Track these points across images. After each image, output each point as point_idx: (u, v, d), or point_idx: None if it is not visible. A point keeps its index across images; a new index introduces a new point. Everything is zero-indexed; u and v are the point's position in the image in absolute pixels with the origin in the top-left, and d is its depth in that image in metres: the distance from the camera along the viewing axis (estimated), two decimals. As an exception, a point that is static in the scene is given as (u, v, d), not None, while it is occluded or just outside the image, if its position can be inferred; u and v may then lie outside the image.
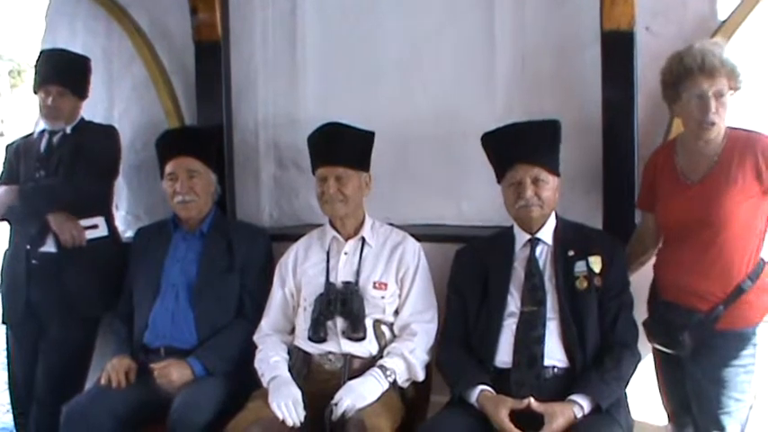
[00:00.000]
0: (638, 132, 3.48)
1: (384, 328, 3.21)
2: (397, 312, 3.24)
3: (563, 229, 3.12)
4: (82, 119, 3.91)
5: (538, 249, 3.09)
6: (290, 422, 2.91)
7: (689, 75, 2.88)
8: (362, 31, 3.99)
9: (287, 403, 2.94)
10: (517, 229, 3.14)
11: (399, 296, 3.25)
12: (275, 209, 4.19)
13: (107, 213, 3.90)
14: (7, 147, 3.98)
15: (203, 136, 3.80)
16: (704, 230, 2.87)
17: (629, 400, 2.99)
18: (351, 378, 3.06)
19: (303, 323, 3.22)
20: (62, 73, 3.82)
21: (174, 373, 3.25)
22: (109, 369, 3.31)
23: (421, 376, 3.16)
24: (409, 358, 3.10)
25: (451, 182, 3.90)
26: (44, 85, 3.81)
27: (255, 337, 3.32)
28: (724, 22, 3.46)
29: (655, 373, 3.15)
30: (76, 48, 4.15)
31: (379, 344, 3.17)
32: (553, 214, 3.13)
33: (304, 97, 4.08)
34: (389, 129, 3.58)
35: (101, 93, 4.26)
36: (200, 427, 3.03)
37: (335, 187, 3.22)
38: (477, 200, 3.82)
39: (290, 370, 3.15)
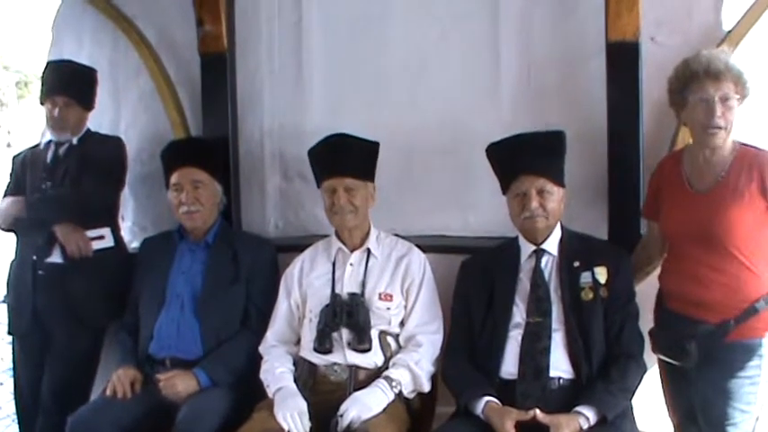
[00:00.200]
0: (643, 143, 3.48)
1: (389, 340, 3.20)
2: (402, 323, 3.24)
3: (568, 239, 3.12)
4: (88, 130, 3.92)
5: (543, 260, 3.09)
6: (295, 433, 2.91)
7: (695, 79, 2.88)
8: (368, 43, 3.99)
9: (292, 414, 2.94)
10: (522, 240, 3.14)
11: (405, 307, 3.25)
12: (281, 220, 4.19)
13: (113, 224, 3.90)
14: (14, 158, 3.99)
15: (208, 147, 3.80)
16: (707, 241, 2.86)
17: (634, 411, 2.99)
18: (356, 389, 3.06)
19: (309, 334, 3.22)
20: (69, 84, 3.83)
21: (179, 384, 3.26)
22: (114, 380, 3.32)
23: (426, 387, 3.15)
24: (415, 369, 3.09)
25: (457, 193, 3.90)
26: (51, 96, 3.82)
27: (261, 348, 3.32)
28: (729, 32, 3.46)
29: (660, 384, 3.14)
30: (83, 59, 4.16)
31: (385, 355, 3.17)
32: (558, 225, 3.13)
33: (310, 108, 4.08)
34: (395, 139, 3.59)
35: (107, 104, 4.27)
36: (205, 437, 3.04)
37: (346, 198, 3.23)
38: (482, 211, 3.80)
39: (295, 381, 3.15)
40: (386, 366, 3.14)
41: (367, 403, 2.95)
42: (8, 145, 21.61)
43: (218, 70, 3.98)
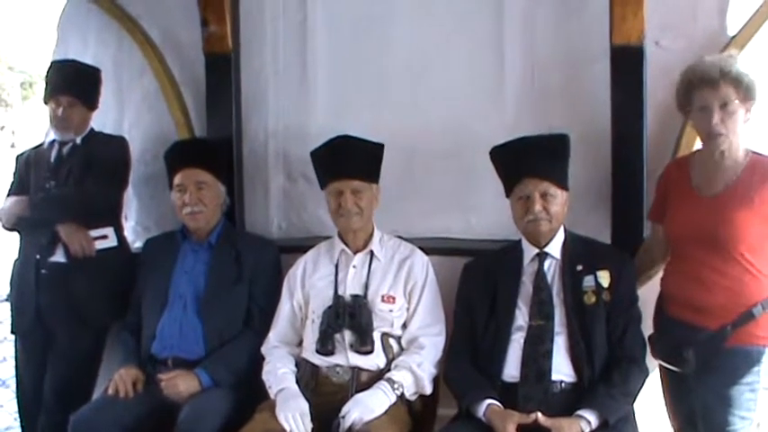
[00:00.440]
0: (647, 147, 3.48)
1: (392, 342, 3.21)
2: (404, 326, 3.24)
3: (571, 243, 3.12)
4: (92, 129, 3.92)
5: (546, 263, 3.09)
6: (296, 434, 2.91)
7: (693, 87, 2.90)
8: (372, 44, 3.99)
9: (294, 415, 2.94)
10: (525, 243, 3.14)
11: (407, 310, 3.25)
12: (284, 220, 4.19)
13: (116, 224, 3.90)
14: (17, 157, 3.99)
15: (212, 147, 3.82)
16: (712, 245, 2.86)
17: (636, 415, 2.99)
18: (358, 391, 3.06)
19: (311, 335, 3.22)
20: (72, 84, 3.83)
21: (181, 384, 3.26)
22: (116, 379, 3.32)
23: (428, 389, 3.16)
24: (417, 371, 3.09)
25: (460, 195, 3.90)
26: (54, 95, 3.82)
27: (263, 349, 3.32)
28: (734, 37, 3.47)
29: (661, 389, 3.14)
30: (87, 59, 4.17)
31: (387, 357, 3.17)
32: (562, 228, 3.13)
33: (314, 109, 4.09)
34: (398, 141, 3.59)
35: (111, 104, 4.27)
36: (207, 437, 3.04)
37: (353, 200, 3.24)
38: (485, 213, 3.81)
39: (297, 382, 3.15)
40: (388, 368, 3.14)
41: (369, 405, 2.96)
42: (12, 145, 21.66)
43: (222, 70, 3.98)
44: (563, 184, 3.06)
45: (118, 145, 3.93)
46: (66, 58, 4.17)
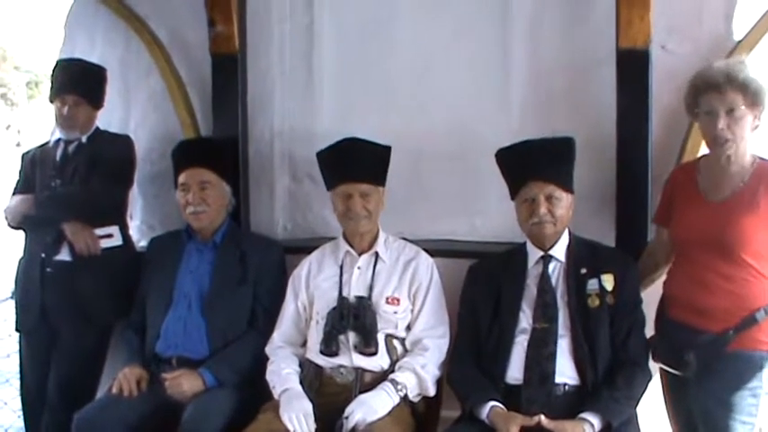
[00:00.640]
0: (652, 150, 3.48)
1: (396, 343, 3.21)
2: (408, 327, 3.25)
3: (576, 246, 3.13)
4: (97, 128, 3.93)
5: (551, 266, 3.10)
6: (300, 435, 2.92)
7: (700, 92, 2.90)
8: (379, 46, 3.99)
9: (298, 416, 2.94)
10: (530, 246, 3.14)
11: (412, 311, 3.26)
12: (289, 221, 4.19)
13: (122, 222, 3.91)
14: (23, 155, 4.00)
15: (217, 147, 3.81)
16: (718, 250, 2.86)
17: (639, 418, 2.98)
18: (362, 392, 3.06)
19: (315, 336, 3.23)
20: (78, 82, 3.84)
21: (185, 384, 3.27)
22: (120, 378, 3.33)
23: (432, 391, 3.16)
24: (420, 373, 3.10)
25: (465, 197, 3.90)
26: (60, 94, 3.83)
27: (267, 349, 3.33)
28: (740, 41, 3.47)
29: (662, 393, 3.14)
30: (95, 58, 4.17)
31: (391, 358, 3.18)
32: (566, 231, 3.13)
33: (320, 110, 4.09)
34: (404, 143, 3.58)
35: (118, 103, 4.27)
36: (210, 437, 3.05)
37: (361, 204, 3.24)
38: (490, 216, 3.81)
39: (301, 383, 3.15)
40: (391, 370, 3.15)
41: (372, 406, 2.96)
42: (18, 144, 21.72)
43: (229, 71, 3.98)
44: (568, 187, 3.06)
45: (123, 144, 3.94)
46: (71, 57, 4.17)
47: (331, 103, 4.09)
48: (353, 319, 3.17)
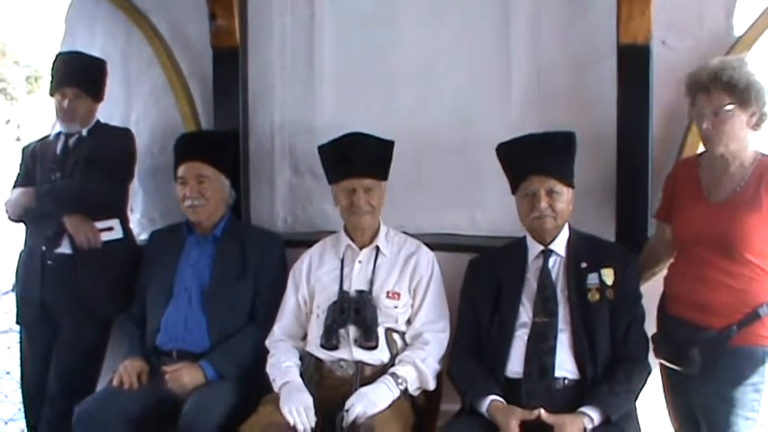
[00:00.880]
0: (652, 146, 3.49)
1: (396, 337, 3.22)
2: (409, 321, 3.25)
3: (576, 240, 3.13)
4: (98, 121, 3.92)
5: (551, 261, 3.10)
6: (300, 428, 2.92)
7: (691, 93, 2.92)
8: (380, 40, 3.99)
9: (298, 409, 2.95)
10: (530, 240, 3.15)
11: (412, 306, 3.26)
12: (289, 215, 4.19)
13: (122, 216, 3.91)
14: (24, 149, 4.00)
15: (216, 141, 3.81)
16: (719, 248, 2.86)
17: (638, 412, 2.99)
18: (362, 385, 3.07)
19: (316, 330, 3.24)
20: (78, 75, 3.84)
21: (185, 377, 3.28)
22: (121, 370, 3.34)
23: (432, 385, 3.17)
24: (421, 367, 3.11)
25: (465, 192, 3.90)
26: (60, 87, 3.83)
27: (268, 342, 3.33)
28: (740, 37, 3.47)
29: (662, 388, 3.14)
30: (95, 51, 4.16)
31: (391, 352, 3.18)
32: (566, 226, 3.14)
33: (321, 104, 4.09)
34: (405, 137, 3.58)
35: (119, 96, 4.27)
36: (210, 430, 3.05)
37: (365, 199, 3.25)
38: (490, 210, 3.81)
39: (301, 376, 3.16)
40: (392, 363, 3.16)
41: (373, 399, 2.97)
42: (17, 139, 21.70)
43: (230, 64, 3.98)
44: (569, 182, 3.07)
45: (124, 137, 3.94)
46: (71, 50, 4.17)
47: (332, 97, 4.09)
48: (354, 313, 3.18)
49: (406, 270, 3.29)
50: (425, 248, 3.36)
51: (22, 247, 3.89)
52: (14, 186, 3.88)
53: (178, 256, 3.60)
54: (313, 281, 3.35)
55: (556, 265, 3.10)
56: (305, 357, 3.26)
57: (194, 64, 4.19)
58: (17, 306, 3.88)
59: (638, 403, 2.98)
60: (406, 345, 3.22)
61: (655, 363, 3.06)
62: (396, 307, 3.23)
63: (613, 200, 3.55)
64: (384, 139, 3.33)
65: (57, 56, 4.00)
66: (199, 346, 3.41)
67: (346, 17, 4.06)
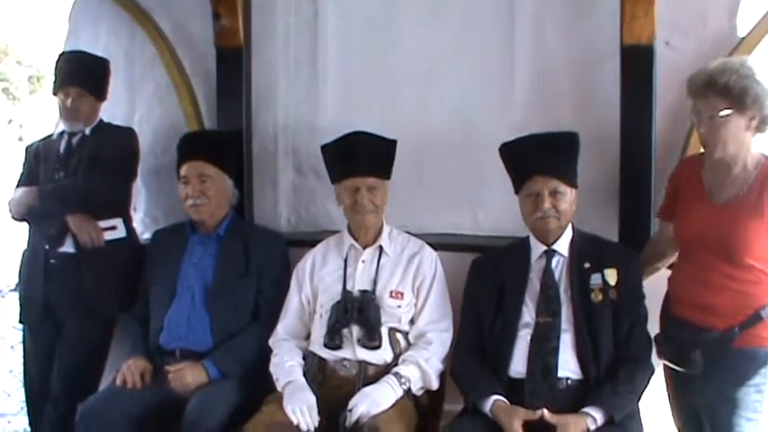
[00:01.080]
0: (655, 146, 3.49)
1: (399, 337, 3.22)
2: (412, 321, 3.26)
3: (579, 241, 3.13)
4: (101, 120, 3.93)
5: (554, 261, 3.10)
6: (304, 427, 2.92)
7: (691, 97, 2.91)
8: (384, 40, 4.00)
9: (301, 408, 2.95)
10: (533, 240, 3.15)
11: (415, 305, 3.27)
12: (293, 214, 4.20)
13: (125, 215, 3.92)
14: (27, 148, 4.00)
15: (219, 140, 3.82)
16: (720, 252, 2.85)
17: (641, 413, 2.99)
18: (365, 385, 3.07)
19: (319, 329, 3.24)
20: (81, 75, 3.84)
21: (188, 376, 3.28)
22: (124, 369, 3.34)
23: (435, 385, 3.17)
24: (424, 366, 3.11)
25: (468, 191, 3.91)
26: (63, 86, 3.83)
27: (271, 342, 3.33)
28: (743, 38, 3.47)
29: (666, 389, 3.14)
30: (99, 51, 4.17)
31: (394, 352, 3.19)
32: (570, 226, 3.13)
33: (324, 104, 4.10)
34: (408, 137, 3.59)
35: (122, 96, 4.29)
36: (214, 429, 3.06)
37: (369, 198, 3.25)
38: (493, 210, 3.82)
39: (304, 375, 3.16)
40: (395, 363, 3.16)
41: (376, 399, 2.97)
42: (20, 139, 21.73)
43: (233, 64, 3.99)
44: (572, 182, 3.06)
45: (126, 136, 3.94)
46: (74, 50, 4.17)
47: (335, 97, 4.09)
48: (357, 312, 3.18)
49: (409, 270, 3.29)
50: (428, 248, 3.37)
51: (25, 246, 3.89)
52: (18, 185, 3.89)
53: (181, 256, 3.60)
54: (316, 280, 3.35)
55: (559, 265, 3.10)
56: (308, 357, 3.26)
57: (198, 63, 4.20)
58: (20, 305, 3.88)
59: (640, 403, 2.98)
60: (409, 344, 3.22)
61: (658, 363, 3.06)
62: (399, 306, 3.23)
63: (616, 200, 3.55)
64: (387, 138, 3.33)
65: (60, 55, 4.01)
66: (202, 346, 3.41)
67: (350, 17, 4.07)
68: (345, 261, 3.33)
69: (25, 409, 4.06)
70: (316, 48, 4.11)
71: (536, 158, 3.05)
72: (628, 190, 3.52)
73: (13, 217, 3.85)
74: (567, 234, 3.13)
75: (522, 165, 3.10)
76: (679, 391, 3.06)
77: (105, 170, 3.75)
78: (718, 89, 2.80)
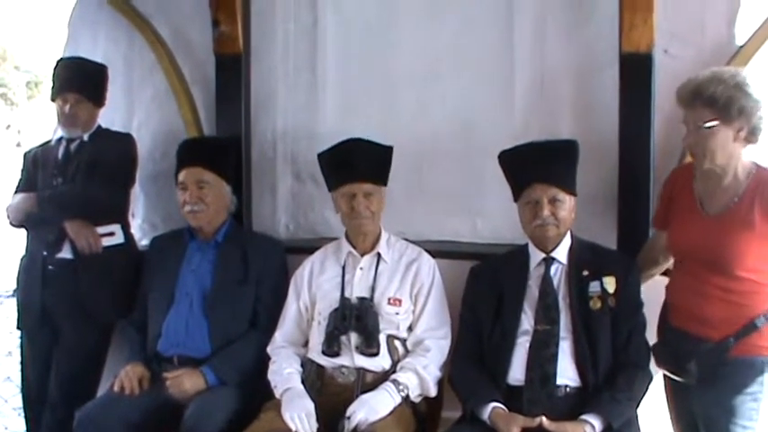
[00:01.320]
0: (654, 154, 3.48)
1: (397, 344, 3.22)
2: (410, 328, 3.26)
3: (578, 248, 3.13)
4: (99, 126, 3.93)
5: (553, 268, 3.10)
6: (302, 434, 2.92)
7: (679, 105, 2.92)
8: (382, 47, 4.00)
9: (300, 415, 2.95)
10: (532, 248, 3.15)
11: (413, 312, 3.27)
12: (291, 221, 4.19)
13: (123, 221, 3.91)
14: (25, 154, 4.00)
15: (218, 147, 3.82)
16: (716, 266, 2.85)
17: (639, 420, 2.99)
18: (363, 392, 3.07)
19: (317, 336, 3.24)
20: (79, 81, 3.85)
21: (186, 382, 3.28)
22: (122, 376, 3.34)
23: (433, 392, 3.17)
24: (422, 374, 3.10)
25: (467, 199, 3.91)
26: (61, 92, 3.84)
27: (269, 349, 3.33)
28: (742, 46, 3.47)
29: (665, 396, 3.14)
30: (98, 57, 4.18)
31: (392, 359, 3.19)
32: (568, 234, 3.14)
33: (323, 111, 4.10)
34: (407, 144, 3.60)
35: (121, 102, 4.28)
36: (212, 436, 3.06)
37: (365, 204, 3.25)
38: (492, 217, 3.82)
39: (303, 382, 3.16)
40: (393, 370, 3.16)
41: (374, 406, 2.97)
42: (18, 144, 21.75)
43: (232, 71, 3.99)
44: (571, 190, 3.07)
45: (125, 142, 3.94)
46: (73, 56, 4.18)
47: (334, 104, 4.09)
48: (355, 319, 3.18)
49: (407, 277, 3.29)
50: (426, 255, 3.37)
51: (23, 252, 3.88)
52: (16, 192, 3.89)
53: (180, 262, 3.60)
54: (314, 287, 3.35)
55: (557, 272, 3.10)
56: (306, 364, 3.26)
57: (197, 70, 4.20)
58: (18, 311, 3.88)
59: (639, 411, 2.98)
60: (407, 351, 3.22)
61: (657, 370, 3.06)
62: (397, 314, 3.23)
63: (615, 208, 3.55)
64: (383, 144, 3.34)
65: (58, 61, 4.01)
66: (200, 352, 3.41)
67: (349, 24, 4.07)
68: (343, 268, 3.33)
69: (23, 415, 4.04)
70: (315, 55, 4.11)
71: (535, 166, 3.05)
72: (626, 197, 3.52)
73: (11, 223, 3.84)
74: (566, 242, 3.13)
75: (521, 172, 3.10)
76: (677, 399, 3.07)
77: (103, 176, 3.75)
78: (703, 100, 2.80)
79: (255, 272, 3.54)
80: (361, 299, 3.23)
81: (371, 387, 3.09)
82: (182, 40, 4.23)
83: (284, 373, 3.18)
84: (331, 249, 3.44)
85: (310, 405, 3.01)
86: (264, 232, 3.98)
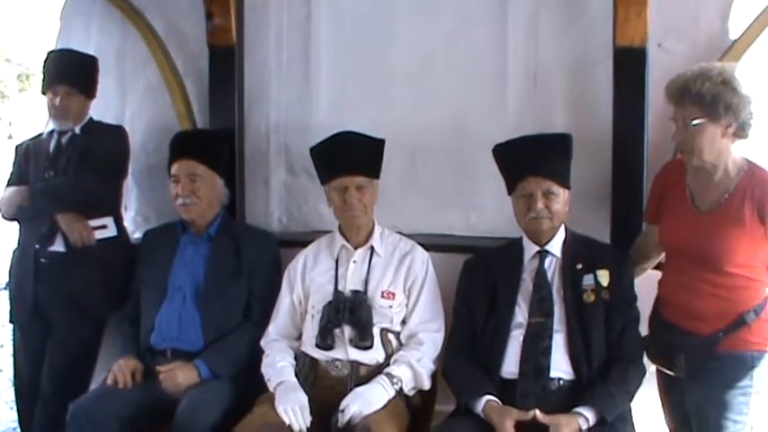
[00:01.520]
0: (647, 148, 3.49)
1: (391, 337, 3.22)
2: (404, 321, 3.25)
3: (572, 241, 3.13)
4: (91, 119, 3.92)
5: (546, 261, 3.10)
6: (296, 427, 2.92)
7: (668, 102, 2.92)
8: (377, 40, 3.99)
9: (293, 408, 2.95)
10: (526, 241, 3.15)
11: (407, 305, 3.26)
12: (284, 214, 4.19)
13: (116, 214, 3.91)
14: (17, 147, 3.99)
15: (210, 140, 3.81)
16: (706, 262, 2.86)
17: (633, 413, 3.00)
18: (357, 385, 3.07)
19: (311, 330, 3.23)
20: (70, 73, 3.84)
21: (179, 376, 3.27)
22: (115, 369, 3.33)
23: (427, 385, 3.17)
24: (416, 367, 3.11)
25: (461, 192, 3.91)
26: (52, 85, 3.83)
27: (263, 342, 3.33)
28: (735, 41, 3.48)
29: (658, 390, 3.15)
30: (90, 49, 4.16)
31: (386, 352, 3.18)
32: (562, 227, 3.14)
33: (317, 104, 4.09)
34: (400, 137, 3.60)
35: (114, 94, 4.27)
36: (205, 429, 3.05)
37: (357, 197, 3.24)
38: (486, 211, 3.82)
39: (296, 375, 3.16)
40: (387, 363, 3.16)
41: (368, 399, 2.97)
42: (9, 137, 21.67)
43: (226, 63, 3.98)
44: (565, 183, 3.07)
45: (117, 134, 3.94)
46: (63, 48, 4.17)
47: (328, 97, 4.08)
48: (349, 313, 3.18)
49: (400, 270, 3.29)
50: (420, 248, 3.37)
51: (15, 245, 3.87)
52: (8, 185, 3.88)
53: (172, 255, 3.59)
54: (308, 281, 3.35)
55: (551, 265, 3.11)
56: (300, 357, 3.25)
57: (190, 62, 4.19)
58: (10, 304, 3.87)
59: (632, 404, 2.99)
60: (401, 345, 3.22)
61: (650, 364, 3.07)
62: (391, 307, 3.23)
63: (608, 202, 3.55)
64: (375, 137, 3.33)
65: (48, 54, 3.99)
66: (193, 346, 3.40)
67: (343, 17, 4.06)
68: (337, 261, 3.33)
69: (15, 409, 4.03)
70: (308, 47, 4.10)
71: (529, 159, 3.05)
72: (620, 192, 3.53)
73: (3, 216, 3.84)
74: (560, 235, 3.13)
75: (515, 165, 3.10)
76: (670, 393, 3.08)
77: (95, 169, 3.74)
78: (691, 97, 2.80)
79: (248, 265, 3.53)
80: (355, 292, 3.23)
81: (365, 380, 3.09)
82: (175, 33, 4.21)
83: (278, 367, 3.17)
84: (324, 242, 3.44)
85: (304, 398, 3.01)
86: (258, 225, 3.97)
